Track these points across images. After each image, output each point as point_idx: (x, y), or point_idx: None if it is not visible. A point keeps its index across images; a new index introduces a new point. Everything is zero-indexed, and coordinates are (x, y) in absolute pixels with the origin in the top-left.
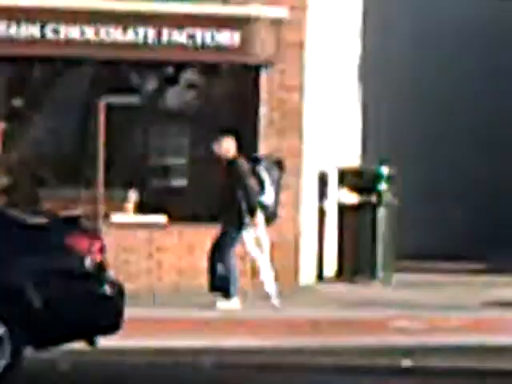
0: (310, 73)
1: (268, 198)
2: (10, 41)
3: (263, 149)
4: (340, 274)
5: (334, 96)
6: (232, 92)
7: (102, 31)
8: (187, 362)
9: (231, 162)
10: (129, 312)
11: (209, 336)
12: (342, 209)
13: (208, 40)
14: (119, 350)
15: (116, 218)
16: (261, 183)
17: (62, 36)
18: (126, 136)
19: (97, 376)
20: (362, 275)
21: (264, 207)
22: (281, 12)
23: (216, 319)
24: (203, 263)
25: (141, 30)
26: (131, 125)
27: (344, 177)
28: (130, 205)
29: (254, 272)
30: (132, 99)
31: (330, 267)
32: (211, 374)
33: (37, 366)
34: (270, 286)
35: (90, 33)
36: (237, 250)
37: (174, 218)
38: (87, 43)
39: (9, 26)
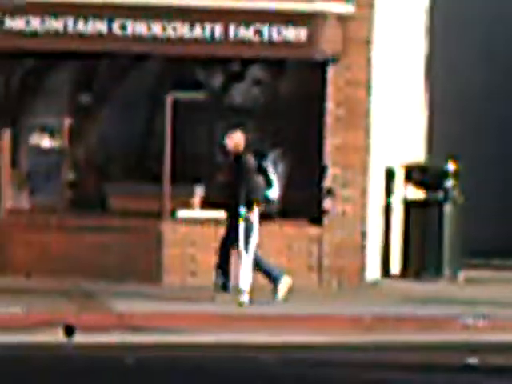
0: (377, 69)
1: (274, 192)
2: (78, 36)
3: (329, 145)
4: (406, 270)
5: (400, 92)
6: (298, 88)
7: (169, 27)
8: (251, 358)
9: (238, 157)
10: (190, 307)
11: (273, 331)
12: (408, 205)
13: (275, 36)
14: (180, 344)
15: (182, 213)
16: (267, 178)
17: (129, 32)
18: (192, 132)
19: (161, 370)
20: (427, 272)
21: (270, 202)
22: (347, 8)
23: (278, 315)
24: (269, 258)
25: (208, 26)
26: (197, 120)
27: (410, 173)
28: (196, 200)
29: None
30: (198, 95)
31: (396, 264)
32: (276, 370)
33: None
34: (246, 283)
35: (156, 29)
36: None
37: None
38: (154, 39)
39: (76, 22)
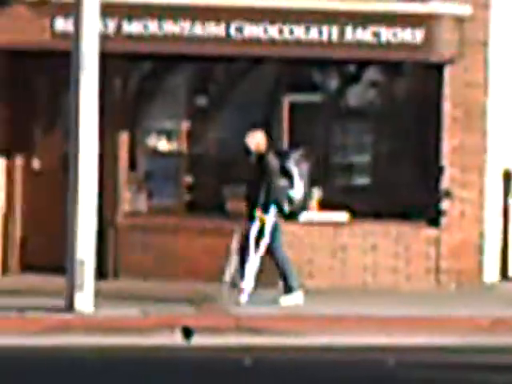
0: (494, 70)
1: (297, 192)
2: (195, 40)
3: (446, 146)
4: None
5: None
6: (414, 89)
7: (286, 30)
8: (367, 360)
9: (261, 157)
10: (307, 309)
11: (390, 333)
12: None
13: (391, 38)
14: (297, 346)
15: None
16: (290, 178)
17: (246, 35)
18: (309, 134)
19: (280, 372)
20: None
21: (292, 201)
22: (464, 9)
23: (395, 317)
24: (386, 261)
25: (324, 29)
26: (314, 123)
27: None
28: (314, 202)
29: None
30: (314, 97)
31: None
32: (396, 372)
33: (222, 363)
34: (249, 284)
35: (273, 31)
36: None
37: (357, 216)
38: (271, 42)
39: (193, 25)
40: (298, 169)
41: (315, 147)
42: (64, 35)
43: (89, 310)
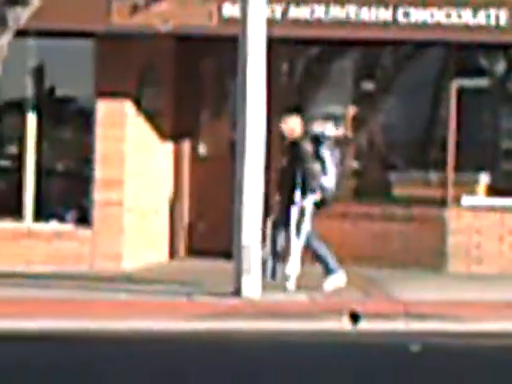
0: None
1: (329, 180)
2: (361, 25)
3: None
4: None
5: None
6: None
7: (454, 14)
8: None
9: (294, 143)
10: (474, 295)
11: None
12: None
13: None
14: (465, 332)
15: (466, 200)
16: (323, 165)
17: (412, 19)
18: (476, 119)
19: (449, 358)
20: None
21: (323, 189)
22: None
23: None
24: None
25: (492, 13)
26: (481, 108)
27: None
28: (481, 188)
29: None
30: (482, 82)
31: None
32: None
33: (389, 348)
34: (293, 270)
35: (440, 16)
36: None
37: None
38: (438, 26)
39: (359, 11)
40: (331, 155)
41: (483, 132)
42: (231, 20)
43: (256, 294)
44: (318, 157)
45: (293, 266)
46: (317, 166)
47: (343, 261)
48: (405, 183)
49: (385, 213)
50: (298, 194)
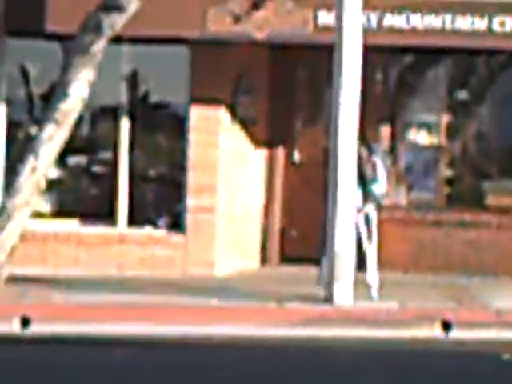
0: None
1: (380, 188)
2: (456, 33)
3: None
4: None
5: None
6: None
7: None
8: None
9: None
10: None
11: None
12: None
13: None
14: None
15: None
16: (375, 172)
17: (508, 28)
18: None
19: None
20: None
21: (375, 197)
22: None
23: None
24: None
25: None
26: None
27: None
28: None
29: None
30: None
31: None
32: None
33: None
34: (373, 277)
35: None
36: None
37: None
38: None
39: (455, 18)
40: (383, 163)
41: None
42: (326, 28)
43: (347, 301)
44: (371, 164)
45: (372, 273)
46: (371, 174)
47: (435, 268)
48: (498, 192)
49: (477, 221)
50: (360, 200)
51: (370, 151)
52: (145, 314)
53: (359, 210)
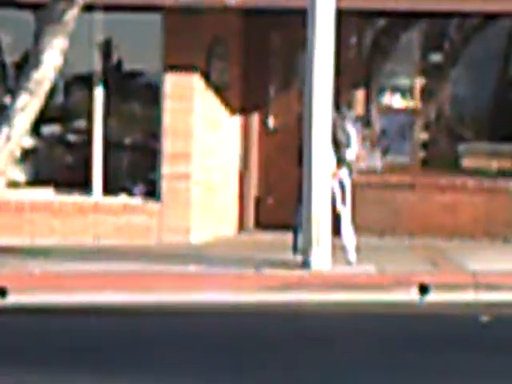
0: None
1: (351, 153)
2: None
3: None
4: None
5: None
6: None
7: None
8: None
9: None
10: None
11: None
12: None
13: None
14: None
15: None
16: (347, 138)
17: None
18: None
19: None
20: None
21: (346, 162)
22: None
23: None
24: None
25: None
26: None
27: None
28: None
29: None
30: None
31: None
32: None
33: (458, 320)
34: (349, 242)
35: None
36: None
37: None
38: None
39: None
40: (355, 128)
41: None
42: None
43: (325, 266)
44: (342, 130)
45: (348, 238)
46: (343, 139)
47: (412, 232)
48: (474, 154)
49: (453, 184)
50: (332, 165)
51: (343, 117)
52: (121, 282)
53: (333, 175)
